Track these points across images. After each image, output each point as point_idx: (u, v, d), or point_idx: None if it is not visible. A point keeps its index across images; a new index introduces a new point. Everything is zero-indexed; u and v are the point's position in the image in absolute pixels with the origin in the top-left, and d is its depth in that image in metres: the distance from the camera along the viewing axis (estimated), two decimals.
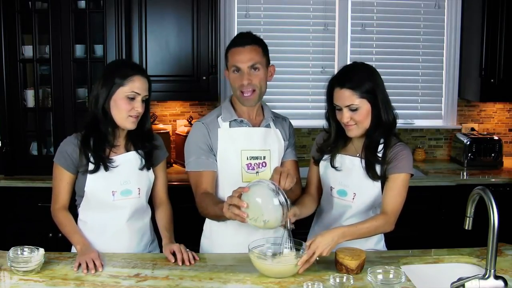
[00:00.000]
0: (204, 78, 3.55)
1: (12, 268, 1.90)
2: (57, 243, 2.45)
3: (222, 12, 3.84)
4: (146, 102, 2.17)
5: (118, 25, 3.35)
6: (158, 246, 2.36)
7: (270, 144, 2.26)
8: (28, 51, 3.39)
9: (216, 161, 2.21)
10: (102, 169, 2.13)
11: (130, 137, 2.21)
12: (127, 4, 3.41)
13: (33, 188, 3.30)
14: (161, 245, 2.22)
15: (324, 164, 2.27)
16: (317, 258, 1.91)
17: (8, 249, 1.97)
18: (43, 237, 3.05)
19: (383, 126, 2.11)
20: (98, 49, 3.42)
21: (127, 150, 2.21)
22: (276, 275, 1.90)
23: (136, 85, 2.10)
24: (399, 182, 2.10)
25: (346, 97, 2.07)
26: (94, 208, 2.18)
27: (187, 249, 2.09)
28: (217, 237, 2.26)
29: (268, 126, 2.29)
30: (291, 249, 1.96)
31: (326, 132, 2.27)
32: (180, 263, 2.01)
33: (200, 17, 3.54)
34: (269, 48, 2.27)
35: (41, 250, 1.95)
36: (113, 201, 2.16)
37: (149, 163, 2.24)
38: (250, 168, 2.21)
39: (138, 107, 2.11)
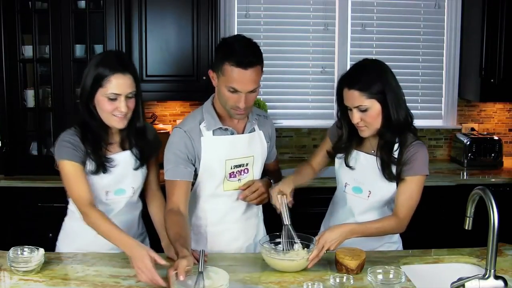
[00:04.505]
0: (204, 78, 3.53)
1: (12, 268, 1.89)
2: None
3: (222, 12, 3.83)
4: (136, 98, 2.04)
5: (118, 25, 3.35)
6: (149, 239, 2.35)
7: (254, 149, 2.19)
8: (28, 51, 3.39)
9: (197, 171, 2.12)
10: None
11: (124, 134, 2.12)
12: (127, 4, 3.41)
13: (33, 188, 3.30)
14: (154, 241, 2.22)
15: (339, 162, 2.23)
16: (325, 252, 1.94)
17: (8, 249, 1.96)
18: (43, 237, 3.04)
19: (394, 126, 2.05)
20: (98, 49, 3.41)
21: (123, 148, 2.14)
22: (286, 269, 1.93)
23: (113, 86, 1.96)
24: (413, 185, 2.07)
25: (355, 98, 2.02)
26: None
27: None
28: (196, 246, 2.18)
29: (252, 130, 2.20)
30: (293, 243, 2.00)
31: (338, 128, 2.21)
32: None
33: (200, 17, 3.53)
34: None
35: (41, 250, 1.95)
36: (105, 200, 2.13)
37: (143, 161, 2.18)
38: (233, 176, 2.16)
39: (122, 107, 1.98)
